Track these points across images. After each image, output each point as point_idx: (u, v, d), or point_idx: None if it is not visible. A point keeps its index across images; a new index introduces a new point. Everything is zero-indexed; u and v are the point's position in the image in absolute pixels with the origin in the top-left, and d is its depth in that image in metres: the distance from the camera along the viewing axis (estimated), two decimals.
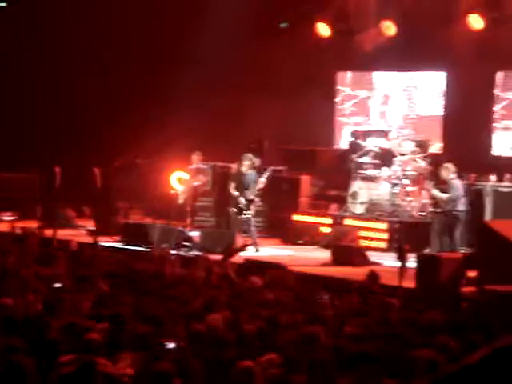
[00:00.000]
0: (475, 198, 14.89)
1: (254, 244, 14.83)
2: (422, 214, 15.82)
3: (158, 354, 6.23)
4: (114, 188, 18.07)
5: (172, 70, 19.49)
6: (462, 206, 14.00)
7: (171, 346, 6.37)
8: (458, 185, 13.99)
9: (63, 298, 8.01)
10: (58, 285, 8.73)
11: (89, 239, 14.28)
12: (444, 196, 14.09)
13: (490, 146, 17.96)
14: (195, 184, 17.25)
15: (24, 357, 5.76)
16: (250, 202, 15.21)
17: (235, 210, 15.38)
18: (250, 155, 15.56)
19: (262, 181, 15.29)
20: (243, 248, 11.95)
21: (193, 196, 17.31)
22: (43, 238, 12.88)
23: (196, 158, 17.28)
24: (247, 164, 15.39)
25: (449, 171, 14.04)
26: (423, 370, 5.87)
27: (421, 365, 6.04)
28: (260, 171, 15.67)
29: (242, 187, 15.31)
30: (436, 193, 14.37)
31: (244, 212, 15.18)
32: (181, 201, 17.16)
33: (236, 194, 15.36)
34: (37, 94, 20.26)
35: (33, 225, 15.42)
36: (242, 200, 15.22)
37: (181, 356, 6.20)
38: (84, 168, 18.44)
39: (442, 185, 14.45)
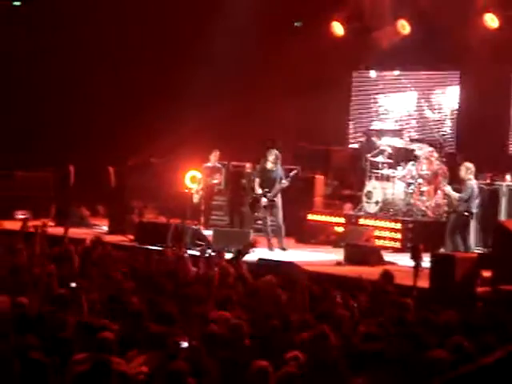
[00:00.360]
0: (491, 198, 14.83)
1: (270, 244, 14.72)
2: (437, 213, 15.79)
3: (173, 353, 6.23)
4: (128, 187, 18.10)
5: (186, 69, 19.50)
6: (475, 207, 13.95)
7: (185, 344, 6.37)
8: (473, 186, 13.93)
9: (76, 296, 8.02)
10: (73, 284, 8.72)
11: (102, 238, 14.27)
12: (457, 195, 14.05)
13: (507, 145, 17.90)
14: (212, 182, 17.30)
15: (40, 354, 5.77)
16: (271, 202, 14.91)
17: (252, 207, 15.10)
18: (275, 151, 15.14)
19: (284, 182, 14.91)
20: (250, 247, 11.84)
21: (208, 195, 17.34)
22: (54, 236, 12.89)
23: (214, 156, 17.37)
24: (272, 159, 14.98)
25: (467, 171, 13.95)
26: (437, 371, 5.85)
27: (435, 365, 6.01)
28: (285, 170, 15.28)
29: (265, 185, 14.97)
30: (450, 191, 14.35)
31: (261, 211, 14.88)
32: (196, 200, 17.20)
33: (260, 192, 15.00)
34: (51, 92, 20.29)
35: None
36: (264, 200, 14.91)
37: (195, 355, 6.20)
38: (98, 167, 18.47)
39: (457, 184, 14.42)
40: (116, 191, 18.18)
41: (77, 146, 19.48)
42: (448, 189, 14.41)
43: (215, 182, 17.36)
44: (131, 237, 15.38)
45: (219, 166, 17.61)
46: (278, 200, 14.98)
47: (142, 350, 6.36)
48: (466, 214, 13.87)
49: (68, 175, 19.03)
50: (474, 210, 13.97)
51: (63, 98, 20.27)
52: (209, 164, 17.44)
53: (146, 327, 6.81)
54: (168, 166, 18.84)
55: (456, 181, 14.61)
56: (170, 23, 19.80)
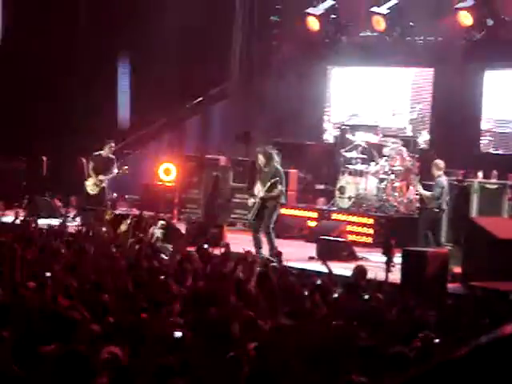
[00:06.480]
0: (462, 195, 14.92)
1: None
2: (409, 209, 15.88)
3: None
4: None
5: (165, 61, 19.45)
6: (445, 203, 14.05)
7: (179, 334, 6.31)
8: (443, 183, 14.03)
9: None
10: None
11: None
12: (428, 193, 14.14)
13: (479, 143, 18.02)
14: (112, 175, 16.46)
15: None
16: (259, 202, 13.32)
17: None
18: (261, 153, 13.37)
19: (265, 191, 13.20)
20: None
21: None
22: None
23: (108, 148, 16.34)
24: (261, 161, 13.31)
25: (437, 168, 14.05)
26: (401, 366, 5.89)
27: (399, 359, 6.06)
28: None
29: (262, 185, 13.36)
30: (421, 190, 14.44)
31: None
32: (90, 191, 16.39)
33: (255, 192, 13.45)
34: (21, 81, 20.04)
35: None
36: (251, 201, 13.43)
37: None
38: (71, 158, 18.36)
39: (429, 181, 14.50)
40: None
41: (50, 136, 19.35)
42: (419, 188, 14.50)
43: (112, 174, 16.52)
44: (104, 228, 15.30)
45: (113, 157, 16.74)
46: (268, 203, 13.26)
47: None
48: (437, 210, 13.95)
49: (40, 166, 18.92)
50: (445, 207, 14.07)
51: (34, 86, 20.06)
52: (104, 155, 16.35)
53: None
54: (141, 157, 18.79)
55: (428, 177, 14.70)
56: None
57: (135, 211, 17.10)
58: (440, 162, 14.09)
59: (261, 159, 13.38)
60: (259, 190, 13.39)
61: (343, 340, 6.67)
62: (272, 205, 13.34)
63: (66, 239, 11.46)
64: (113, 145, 16.45)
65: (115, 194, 18.17)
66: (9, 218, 14.00)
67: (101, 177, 16.30)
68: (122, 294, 8.00)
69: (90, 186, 16.37)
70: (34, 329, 6.43)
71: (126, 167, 16.52)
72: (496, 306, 8.43)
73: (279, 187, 13.29)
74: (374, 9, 18.40)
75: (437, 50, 17.83)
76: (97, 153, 16.44)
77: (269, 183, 13.22)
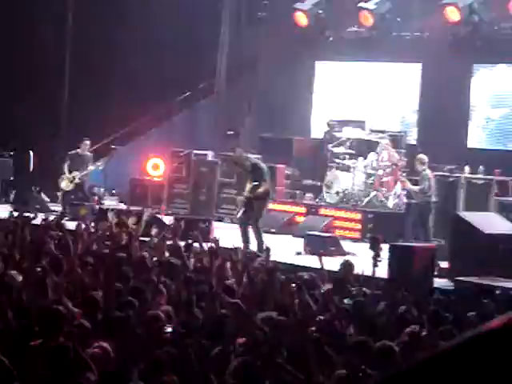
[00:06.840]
0: (449, 190, 14.99)
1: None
2: (396, 204, 15.94)
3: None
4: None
5: (144, 60, 19.42)
6: (434, 197, 14.12)
7: (169, 329, 6.31)
8: (429, 176, 14.10)
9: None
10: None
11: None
12: (416, 187, 14.21)
13: (466, 138, 18.09)
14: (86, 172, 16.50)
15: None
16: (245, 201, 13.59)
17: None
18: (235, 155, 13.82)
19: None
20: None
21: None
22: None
23: (84, 146, 16.52)
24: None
25: (421, 163, 14.14)
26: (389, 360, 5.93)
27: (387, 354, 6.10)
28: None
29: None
30: (409, 186, 14.51)
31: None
32: (64, 187, 16.46)
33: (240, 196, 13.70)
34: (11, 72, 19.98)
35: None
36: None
37: None
38: (59, 152, 18.33)
39: (416, 176, 14.57)
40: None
41: (38, 131, 19.30)
42: (407, 183, 14.58)
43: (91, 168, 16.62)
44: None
45: (88, 154, 16.86)
46: (254, 200, 13.31)
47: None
48: (427, 203, 14.02)
49: (27, 160, 18.88)
50: (434, 199, 14.14)
51: (24, 82, 20.00)
52: (77, 151, 16.57)
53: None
54: (130, 152, 18.76)
55: (415, 172, 14.76)
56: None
57: (122, 206, 17.11)
58: (423, 157, 14.18)
59: (238, 162, 13.65)
60: (246, 188, 13.45)
61: (330, 335, 6.70)
62: (259, 201, 13.38)
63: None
64: (88, 143, 16.63)
65: (102, 189, 18.23)
66: None
67: (74, 173, 16.40)
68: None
69: (64, 182, 16.46)
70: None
71: (99, 163, 16.62)
72: (482, 301, 8.48)
73: (263, 186, 13.28)
74: (362, 4, 18.46)
75: (424, 46, 17.87)
76: (73, 151, 16.59)
77: (251, 185, 13.28)
